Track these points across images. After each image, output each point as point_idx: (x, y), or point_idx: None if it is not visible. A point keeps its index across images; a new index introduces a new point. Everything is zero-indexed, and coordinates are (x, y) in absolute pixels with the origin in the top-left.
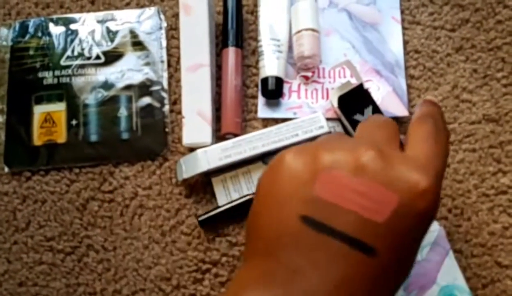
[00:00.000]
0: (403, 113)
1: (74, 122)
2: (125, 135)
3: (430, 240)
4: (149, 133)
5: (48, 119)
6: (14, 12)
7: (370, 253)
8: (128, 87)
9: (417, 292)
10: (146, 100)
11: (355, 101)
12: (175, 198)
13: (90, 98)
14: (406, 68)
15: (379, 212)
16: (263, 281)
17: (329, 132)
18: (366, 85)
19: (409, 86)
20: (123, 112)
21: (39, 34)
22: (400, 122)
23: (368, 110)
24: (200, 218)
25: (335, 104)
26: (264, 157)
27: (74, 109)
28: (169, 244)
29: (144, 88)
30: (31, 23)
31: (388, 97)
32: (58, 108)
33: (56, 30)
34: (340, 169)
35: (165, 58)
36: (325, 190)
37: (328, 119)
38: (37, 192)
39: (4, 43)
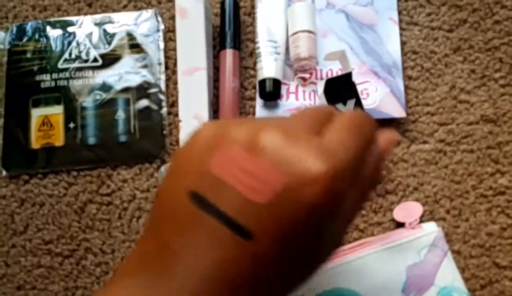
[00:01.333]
0: (400, 114)
1: (71, 125)
2: (123, 138)
3: (428, 242)
4: (147, 136)
5: (45, 122)
6: (12, 15)
7: (244, 235)
8: (125, 90)
9: (415, 293)
10: (144, 102)
11: (340, 90)
12: None
13: (88, 101)
14: (404, 69)
15: (262, 193)
16: (137, 267)
17: None
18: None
19: (407, 87)
20: (120, 115)
21: (37, 37)
22: (397, 123)
23: (351, 102)
24: None
25: (321, 89)
26: None
27: (72, 112)
28: None
29: (141, 90)
30: (29, 26)
31: (386, 98)
32: (56, 111)
33: (53, 33)
34: (237, 144)
35: (162, 60)
36: (217, 165)
37: None
38: (35, 195)
39: (1, 46)
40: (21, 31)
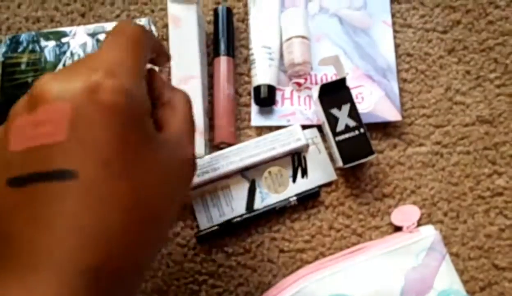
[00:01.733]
0: (396, 118)
1: None
2: None
3: (426, 245)
4: None
5: None
6: (5, 27)
7: (68, 176)
8: None
9: None
10: None
11: (335, 95)
12: None
13: None
14: (399, 71)
15: (57, 131)
16: None
17: (307, 145)
18: (348, 83)
19: (401, 90)
20: None
21: (30, 48)
22: (393, 126)
23: (346, 107)
24: (198, 235)
25: (316, 94)
26: (243, 171)
27: None
28: (165, 256)
29: None
30: (22, 38)
31: (381, 102)
32: None
33: (47, 44)
34: (20, 113)
35: (156, 68)
36: (15, 142)
37: (307, 127)
38: None
39: None
40: (14, 42)
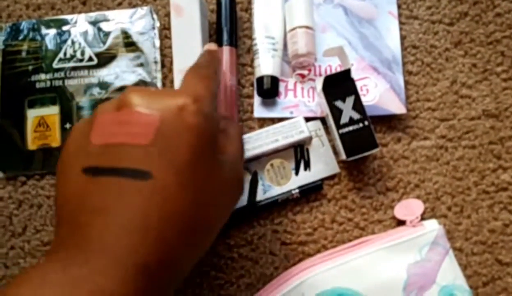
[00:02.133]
0: (401, 110)
1: (68, 125)
2: None
3: (429, 240)
4: None
5: (41, 123)
6: (5, 15)
7: (144, 176)
8: (122, 88)
9: (417, 292)
10: None
11: (339, 87)
12: None
13: (84, 101)
14: (404, 64)
15: (144, 134)
16: (53, 251)
17: (310, 138)
18: (353, 74)
19: (407, 83)
20: None
21: (31, 36)
22: (398, 119)
23: (350, 99)
24: None
25: (320, 85)
26: (245, 163)
27: (68, 113)
28: None
29: None
30: (23, 26)
31: (386, 94)
32: (52, 112)
33: (47, 32)
34: (107, 111)
35: (158, 58)
36: (97, 135)
37: (310, 119)
38: (32, 196)
39: None
40: (15, 30)
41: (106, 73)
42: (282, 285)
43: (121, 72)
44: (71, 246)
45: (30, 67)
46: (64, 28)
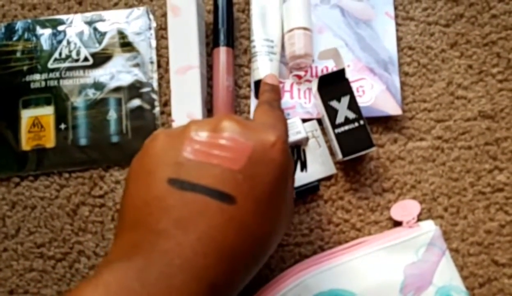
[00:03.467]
0: (396, 112)
1: (62, 126)
2: (115, 139)
3: (426, 241)
4: (140, 136)
5: (36, 123)
6: (0, 14)
7: (228, 200)
8: (117, 89)
9: (414, 293)
10: (136, 102)
11: (334, 87)
12: None
13: (79, 101)
14: (400, 65)
15: (236, 160)
16: (127, 253)
17: (307, 138)
18: (349, 75)
19: (403, 84)
20: (112, 115)
21: (26, 36)
22: (394, 120)
23: (345, 99)
24: None
25: (315, 86)
26: None
27: (63, 113)
28: None
29: (133, 90)
30: (18, 26)
31: (382, 95)
32: (46, 112)
33: (43, 32)
34: (203, 130)
35: (154, 59)
36: (191, 151)
37: (306, 120)
38: (26, 197)
39: None
40: (10, 30)
41: (101, 74)
42: (278, 287)
43: (117, 72)
44: (147, 252)
45: (25, 67)
46: (60, 28)
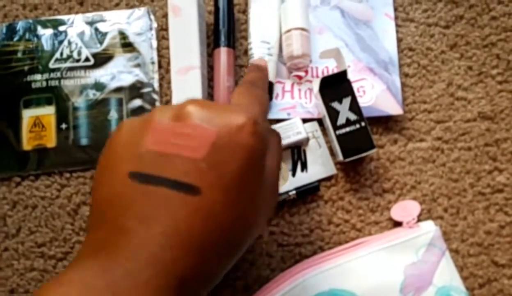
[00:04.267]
0: (397, 111)
1: (64, 126)
2: None
3: (426, 241)
4: None
5: (37, 123)
6: (1, 15)
7: (192, 191)
8: (118, 89)
9: (414, 293)
10: (137, 102)
11: (336, 88)
12: None
13: (80, 102)
14: (400, 66)
15: (198, 148)
16: (93, 251)
17: (307, 139)
18: (350, 76)
19: (403, 85)
20: (113, 115)
21: (27, 36)
22: (394, 121)
23: (347, 101)
24: None
25: (317, 87)
26: None
27: (64, 113)
28: None
29: (134, 90)
30: (19, 26)
31: (382, 95)
32: (47, 112)
33: (44, 32)
34: (165, 119)
35: (155, 59)
36: (152, 141)
37: (307, 120)
38: (27, 197)
39: None
40: (11, 30)
41: (102, 74)
42: (278, 286)
43: (118, 72)
44: (111, 250)
45: (26, 67)
46: (61, 28)
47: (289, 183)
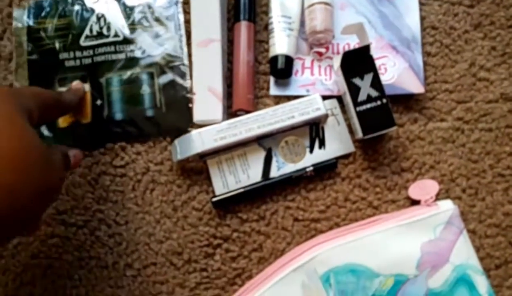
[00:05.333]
0: (419, 90)
1: (98, 102)
2: (149, 113)
3: (444, 219)
4: (174, 109)
5: None
6: None
7: None
8: (149, 64)
9: (430, 270)
10: (168, 76)
11: (358, 64)
12: (186, 173)
13: (113, 78)
14: (423, 45)
15: None
16: None
17: (326, 116)
18: (372, 53)
19: (425, 64)
20: (146, 89)
21: (56, 13)
22: (415, 100)
23: (369, 77)
24: (214, 200)
25: (338, 63)
26: (260, 139)
27: (98, 90)
28: (180, 219)
29: (165, 64)
30: (47, 3)
31: (404, 73)
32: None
33: (72, 8)
34: None
35: (183, 32)
36: None
37: (326, 97)
38: None
39: (20, 25)
40: (39, 8)
41: (132, 49)
42: (294, 259)
43: (147, 47)
44: None
45: (58, 45)
46: (88, 4)
47: (306, 159)
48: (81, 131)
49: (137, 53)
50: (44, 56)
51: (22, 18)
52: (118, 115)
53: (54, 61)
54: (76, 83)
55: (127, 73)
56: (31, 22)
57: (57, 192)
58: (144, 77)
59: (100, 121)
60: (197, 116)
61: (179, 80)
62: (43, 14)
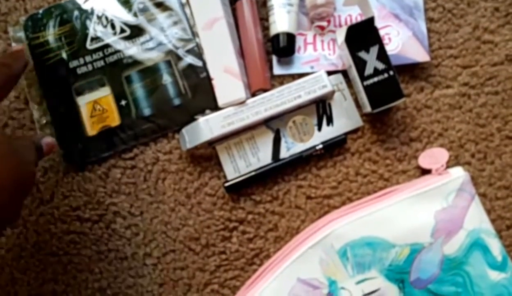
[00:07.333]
0: (424, 58)
1: (123, 102)
2: (176, 101)
3: (455, 187)
4: (199, 92)
5: (96, 107)
6: (22, 10)
7: None
8: (163, 52)
9: (444, 238)
10: (186, 61)
11: (362, 37)
12: (196, 160)
13: (131, 74)
14: (425, 10)
15: None
16: None
17: (332, 92)
18: (375, 23)
19: (428, 30)
20: (167, 79)
21: (55, 23)
22: (420, 68)
23: (374, 49)
24: (226, 185)
25: (342, 37)
26: (267, 121)
27: (120, 89)
28: (195, 205)
29: (179, 49)
30: (41, 14)
31: (409, 42)
32: (103, 93)
33: (70, 14)
34: None
35: (189, 13)
36: None
37: (331, 73)
38: (57, 163)
39: (20, 44)
40: (35, 21)
41: (142, 41)
42: (310, 236)
43: (157, 34)
44: None
45: (64, 54)
46: (84, 6)
47: (315, 137)
48: (112, 135)
49: (149, 44)
50: (54, 69)
51: (19, 36)
52: (146, 111)
53: (65, 71)
54: (14, 47)
55: (144, 66)
56: (31, 38)
57: (30, 182)
58: (163, 66)
59: (129, 121)
60: (221, 101)
61: (196, 62)
62: (41, 27)
